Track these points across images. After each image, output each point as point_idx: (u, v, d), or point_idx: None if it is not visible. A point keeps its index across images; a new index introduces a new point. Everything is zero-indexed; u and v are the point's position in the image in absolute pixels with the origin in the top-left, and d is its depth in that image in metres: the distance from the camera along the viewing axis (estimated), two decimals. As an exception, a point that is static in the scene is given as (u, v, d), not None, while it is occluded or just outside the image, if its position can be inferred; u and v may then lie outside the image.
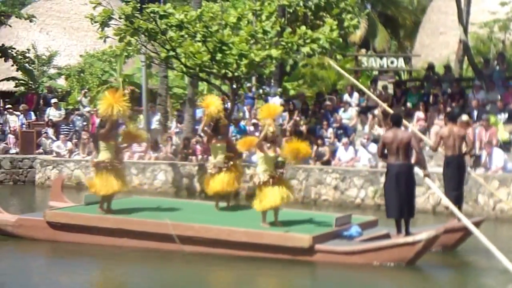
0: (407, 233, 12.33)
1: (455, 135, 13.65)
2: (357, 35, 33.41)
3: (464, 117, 18.20)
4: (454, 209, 12.80)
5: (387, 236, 12.66)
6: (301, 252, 11.92)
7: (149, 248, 12.91)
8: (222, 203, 14.58)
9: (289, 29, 20.91)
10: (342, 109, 23.03)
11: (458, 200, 13.47)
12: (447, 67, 24.21)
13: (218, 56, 20.28)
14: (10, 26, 33.82)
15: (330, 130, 21.97)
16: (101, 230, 13.28)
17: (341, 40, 21.04)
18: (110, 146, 13.77)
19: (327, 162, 20.77)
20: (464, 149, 13.87)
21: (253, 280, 11.57)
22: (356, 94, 23.54)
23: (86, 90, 29.19)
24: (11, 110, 27.68)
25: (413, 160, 12.75)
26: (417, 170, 12.61)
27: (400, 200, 12.30)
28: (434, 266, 12.18)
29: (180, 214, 13.84)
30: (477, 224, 12.95)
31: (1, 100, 33.25)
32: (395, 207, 12.36)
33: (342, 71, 17.83)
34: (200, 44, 20.33)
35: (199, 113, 25.34)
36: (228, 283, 11.77)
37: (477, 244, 12.32)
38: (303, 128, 22.27)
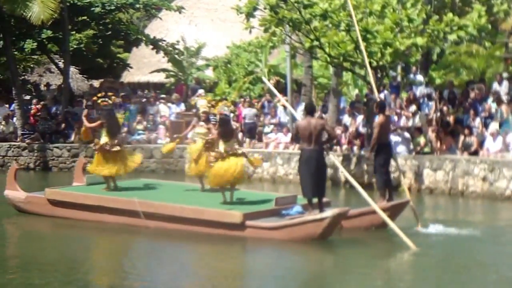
0: (321, 211, 13.34)
1: (388, 125, 15.13)
2: (508, 22, 32.25)
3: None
4: (359, 187, 13.80)
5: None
6: (234, 228, 13.25)
7: (121, 223, 14.20)
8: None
9: (435, 16, 20.53)
10: (491, 98, 22.32)
11: (387, 184, 14.79)
12: None
13: (362, 45, 20.12)
14: (161, 18, 34.91)
15: (478, 119, 21.36)
16: (86, 207, 14.77)
17: (490, 26, 20.43)
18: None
19: (475, 153, 20.24)
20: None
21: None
22: (505, 83, 22.75)
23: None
24: (163, 101, 28.49)
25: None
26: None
27: (312, 182, 13.34)
28: (350, 241, 13.36)
29: (158, 193, 15.26)
30: (403, 205, 14.57)
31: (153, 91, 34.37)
32: (308, 188, 13.43)
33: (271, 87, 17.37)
34: (344, 33, 20.27)
35: (343, 102, 25.33)
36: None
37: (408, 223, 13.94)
38: (450, 118, 21.77)
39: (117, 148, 15.45)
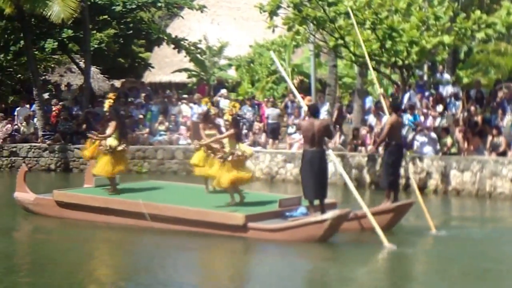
0: (323, 212, 13.28)
1: (399, 125, 14.75)
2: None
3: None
4: (353, 188, 13.78)
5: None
6: (237, 229, 13.35)
7: (128, 225, 14.34)
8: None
9: (462, 14, 20.18)
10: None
11: (393, 185, 14.52)
12: None
13: (388, 43, 19.84)
14: (183, 17, 34.70)
15: (506, 119, 20.89)
16: (93, 209, 14.90)
17: (519, 24, 19.98)
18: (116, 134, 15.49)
19: (503, 153, 19.79)
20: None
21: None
22: (535, 81, 22.27)
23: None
24: (185, 101, 28.18)
25: None
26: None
27: (314, 183, 13.34)
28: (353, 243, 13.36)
29: (164, 195, 15.33)
30: (408, 206, 14.37)
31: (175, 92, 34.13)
32: (310, 190, 13.41)
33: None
34: (369, 31, 19.95)
35: (368, 102, 24.92)
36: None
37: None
38: (478, 118, 21.30)
39: (123, 147, 15.46)
